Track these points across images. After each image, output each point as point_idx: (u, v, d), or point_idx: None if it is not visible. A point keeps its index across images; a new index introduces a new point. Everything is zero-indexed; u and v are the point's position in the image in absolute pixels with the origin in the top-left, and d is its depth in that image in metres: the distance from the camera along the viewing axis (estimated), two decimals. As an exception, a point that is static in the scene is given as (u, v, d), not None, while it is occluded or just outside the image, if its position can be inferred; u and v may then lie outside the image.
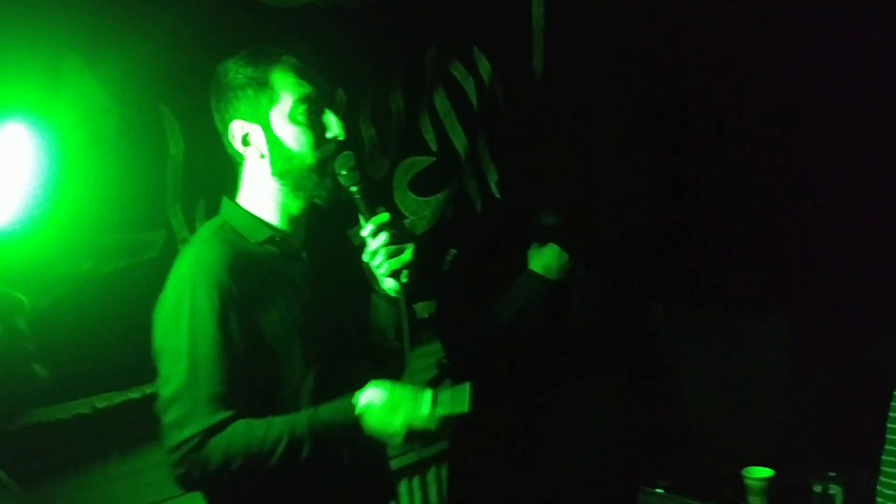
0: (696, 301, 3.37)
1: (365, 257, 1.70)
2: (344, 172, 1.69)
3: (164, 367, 1.65)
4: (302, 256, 1.76)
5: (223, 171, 2.31)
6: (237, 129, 1.70)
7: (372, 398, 1.62)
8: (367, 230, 1.68)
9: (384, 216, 1.69)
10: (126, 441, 2.28)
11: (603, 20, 3.32)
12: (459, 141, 2.99)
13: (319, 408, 1.64)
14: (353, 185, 1.69)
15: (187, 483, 1.63)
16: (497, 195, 3.04)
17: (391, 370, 1.85)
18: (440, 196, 2.94)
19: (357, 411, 1.62)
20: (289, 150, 1.68)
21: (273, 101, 1.67)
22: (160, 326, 1.67)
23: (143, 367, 2.19)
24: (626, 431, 2.37)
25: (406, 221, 2.82)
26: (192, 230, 2.29)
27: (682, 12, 3.19)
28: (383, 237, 1.67)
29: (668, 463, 2.40)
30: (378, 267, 1.69)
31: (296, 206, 1.73)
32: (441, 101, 2.97)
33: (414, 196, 2.87)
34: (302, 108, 1.67)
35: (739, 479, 2.25)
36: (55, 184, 2.02)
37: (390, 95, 2.82)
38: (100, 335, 2.10)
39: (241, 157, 1.73)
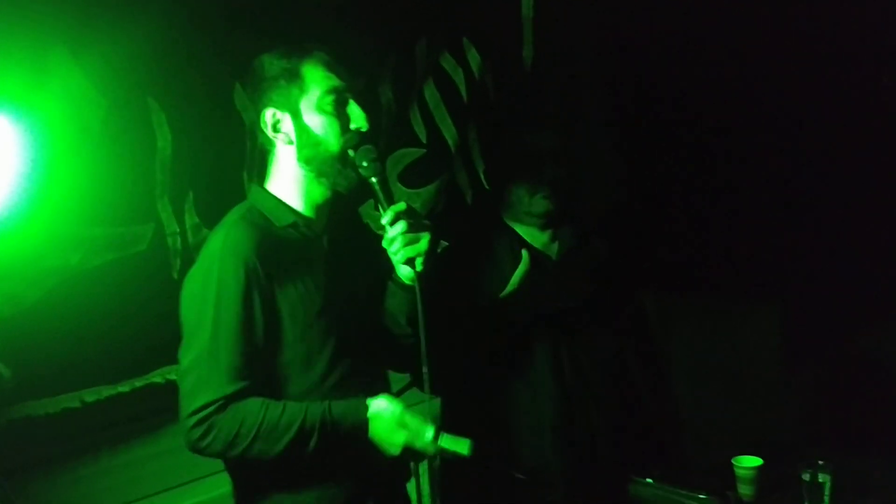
0: (686, 290, 3.38)
1: (384, 244, 1.79)
2: (364, 164, 1.79)
3: (188, 336, 1.76)
4: (322, 241, 1.86)
5: (211, 163, 2.35)
6: (269, 117, 1.82)
7: (382, 408, 1.74)
8: (385, 218, 1.76)
9: (401, 205, 1.77)
10: (116, 435, 2.27)
11: (592, 11, 3.31)
12: (449, 133, 2.99)
13: (333, 403, 1.74)
14: (373, 176, 1.79)
15: (198, 450, 1.73)
16: (487, 187, 3.04)
17: (403, 357, 1.94)
18: (430, 188, 2.93)
19: (368, 414, 1.73)
20: (315, 136, 1.79)
21: (303, 91, 1.80)
22: (187, 298, 1.78)
23: (133, 360, 2.23)
24: (617, 421, 2.37)
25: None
26: (181, 223, 2.29)
27: (670, 2, 3.19)
28: (401, 225, 1.75)
29: (658, 453, 2.40)
30: (395, 254, 1.78)
31: (319, 192, 1.84)
32: (431, 93, 2.96)
33: (404, 188, 2.86)
34: (329, 98, 1.79)
35: (729, 468, 2.26)
36: (42, 178, 2.01)
37: (380, 87, 2.82)
38: (88, 329, 2.10)
39: (272, 143, 1.85)
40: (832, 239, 3.17)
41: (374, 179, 1.78)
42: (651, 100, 3.40)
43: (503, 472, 2.36)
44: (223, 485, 1.99)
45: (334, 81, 1.80)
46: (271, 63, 1.82)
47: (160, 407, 2.31)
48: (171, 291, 2.23)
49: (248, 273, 1.72)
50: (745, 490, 2.23)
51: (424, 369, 1.75)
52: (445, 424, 1.76)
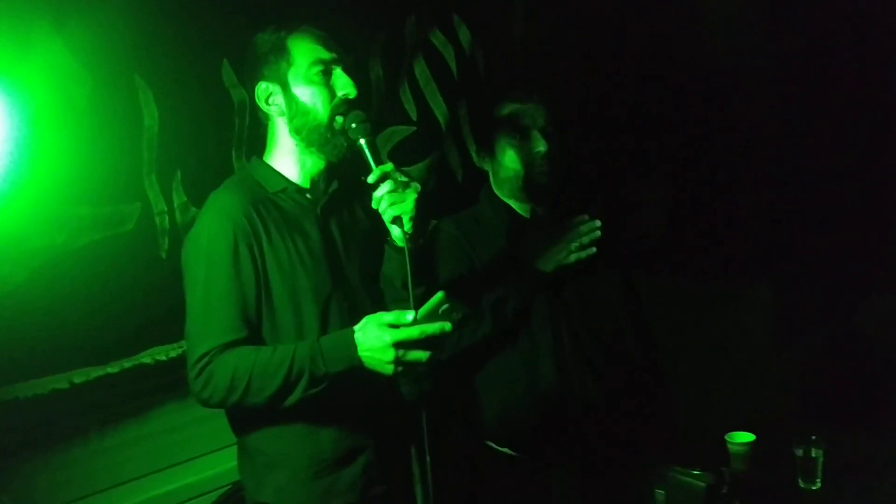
0: (679, 269, 3.38)
1: (373, 205, 1.81)
2: (353, 125, 1.82)
3: (187, 297, 1.82)
4: (316, 209, 1.91)
5: (198, 141, 2.32)
6: (261, 90, 1.88)
7: (363, 324, 1.75)
8: (371, 178, 1.79)
9: (388, 165, 1.80)
10: (105, 416, 2.26)
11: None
12: (440, 110, 2.97)
13: (320, 340, 1.77)
14: (362, 137, 1.81)
15: (203, 401, 1.78)
16: (478, 164, 3.02)
17: None
18: (421, 166, 2.92)
19: (354, 337, 1.73)
20: (304, 106, 1.84)
21: (290, 64, 1.85)
22: (184, 261, 1.85)
23: (121, 341, 2.21)
24: (612, 398, 2.37)
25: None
26: (169, 202, 2.27)
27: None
28: (387, 185, 1.78)
29: (652, 429, 2.41)
30: (384, 213, 1.80)
31: (312, 162, 1.90)
32: (421, 70, 2.94)
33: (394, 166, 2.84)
34: (315, 69, 1.84)
35: (722, 444, 2.26)
36: (27, 157, 1.99)
37: (370, 64, 2.80)
38: (75, 309, 2.08)
39: (268, 116, 1.90)
40: (823, 218, 3.17)
41: (362, 141, 1.81)
42: (643, 80, 3.39)
43: (498, 448, 2.36)
44: (214, 466, 2.00)
45: (321, 53, 1.85)
46: (262, 40, 1.88)
47: (149, 388, 2.31)
48: (159, 271, 2.24)
49: (237, 229, 1.79)
50: (738, 466, 2.23)
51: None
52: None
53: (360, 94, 1.86)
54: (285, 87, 1.86)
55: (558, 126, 2.38)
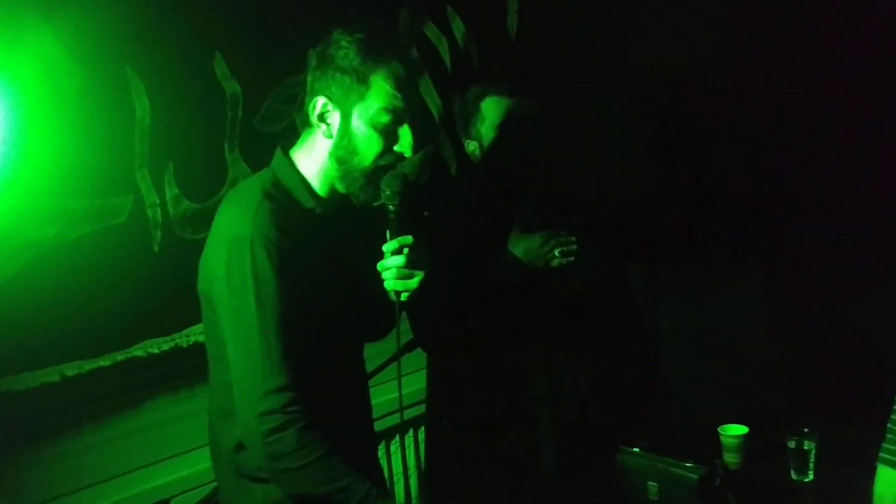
0: (672, 262, 3.38)
1: (378, 266, 1.79)
2: (388, 192, 1.76)
3: (236, 327, 1.70)
4: (334, 222, 1.84)
5: (191, 133, 2.31)
6: (320, 104, 1.77)
7: None
8: (389, 246, 1.77)
9: (409, 239, 1.77)
10: (98, 409, 2.25)
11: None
12: (434, 103, 2.96)
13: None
14: (393, 205, 1.77)
15: (268, 443, 1.67)
16: (472, 157, 3.02)
17: (377, 333, 2.02)
18: (415, 158, 2.89)
19: None
20: (355, 146, 1.76)
21: (363, 98, 1.74)
22: (220, 285, 1.71)
23: (114, 334, 2.21)
24: (603, 392, 2.37)
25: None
26: (161, 194, 2.25)
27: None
28: (400, 259, 1.76)
29: (646, 422, 2.41)
30: (386, 280, 1.79)
31: (339, 186, 1.81)
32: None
33: (388, 159, 2.83)
34: (386, 118, 1.75)
35: (715, 437, 2.27)
36: (18, 149, 1.98)
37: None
38: (67, 303, 2.07)
39: (313, 126, 1.80)
40: (817, 210, 3.17)
41: (391, 208, 1.77)
42: (637, 72, 3.38)
43: (493, 444, 2.36)
44: (206, 459, 1.98)
45: (397, 101, 1.74)
46: (346, 53, 1.73)
47: (142, 381, 2.31)
48: (152, 264, 2.23)
49: (281, 256, 1.69)
50: (731, 458, 2.24)
51: (398, 392, 1.83)
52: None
53: (413, 154, 1.80)
54: (346, 117, 1.75)
55: (545, 123, 2.38)
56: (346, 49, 1.73)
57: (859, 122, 3.07)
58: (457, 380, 2.42)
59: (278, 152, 1.84)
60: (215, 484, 1.99)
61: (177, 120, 2.26)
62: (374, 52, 1.73)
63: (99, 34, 2.10)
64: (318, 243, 1.80)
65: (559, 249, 2.28)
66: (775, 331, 3.27)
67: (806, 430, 2.17)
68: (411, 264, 1.77)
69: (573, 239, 2.30)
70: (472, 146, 2.42)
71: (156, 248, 2.25)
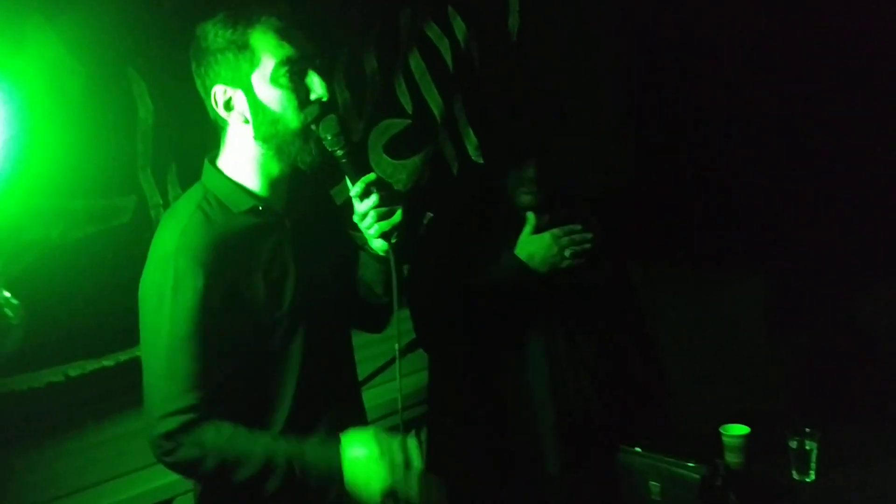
0: (673, 260, 3.39)
1: (355, 219, 1.69)
2: (329, 137, 1.67)
3: (145, 345, 1.66)
4: (285, 223, 1.74)
5: (194, 134, 2.30)
6: (220, 95, 1.67)
7: (359, 454, 1.62)
8: (354, 190, 1.67)
9: (371, 176, 1.67)
10: (101, 409, 2.25)
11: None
12: (435, 103, 2.96)
13: (307, 446, 1.64)
14: (339, 149, 1.67)
15: (164, 463, 1.65)
16: (475, 158, 3.03)
17: (376, 326, 1.93)
18: (416, 159, 2.91)
19: (342, 460, 1.62)
20: (273, 113, 1.66)
21: (254, 64, 1.64)
22: (143, 305, 1.67)
23: (117, 334, 2.20)
24: (605, 391, 2.37)
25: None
26: (164, 195, 2.26)
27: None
28: (372, 199, 1.66)
29: (648, 422, 2.41)
30: (368, 228, 1.68)
31: (277, 169, 1.72)
32: (416, 63, 2.93)
33: (389, 159, 2.84)
34: (284, 69, 1.64)
35: (717, 437, 2.27)
36: (21, 149, 1.97)
37: (364, 57, 2.79)
38: (71, 303, 2.07)
39: (225, 122, 1.71)
40: (818, 208, 3.17)
41: (339, 153, 1.66)
42: (639, 71, 3.39)
43: (495, 443, 2.37)
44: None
45: (288, 50, 1.64)
46: (216, 34, 1.64)
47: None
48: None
49: (207, 276, 1.61)
50: (732, 458, 2.24)
51: (397, 346, 1.70)
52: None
53: (332, 94, 1.70)
54: (248, 91, 1.64)
55: (554, 146, 2.39)
56: (212, 31, 1.65)
57: (860, 122, 3.07)
58: (458, 379, 2.42)
59: (206, 164, 1.75)
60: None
61: (179, 120, 2.26)
62: (242, 18, 1.64)
63: (102, 35, 2.11)
64: (267, 244, 1.70)
65: (570, 250, 2.28)
66: (777, 330, 3.28)
67: (808, 429, 2.18)
68: (385, 200, 1.66)
69: (588, 236, 2.30)
70: None
71: (159, 249, 2.25)
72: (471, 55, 3.05)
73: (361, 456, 1.61)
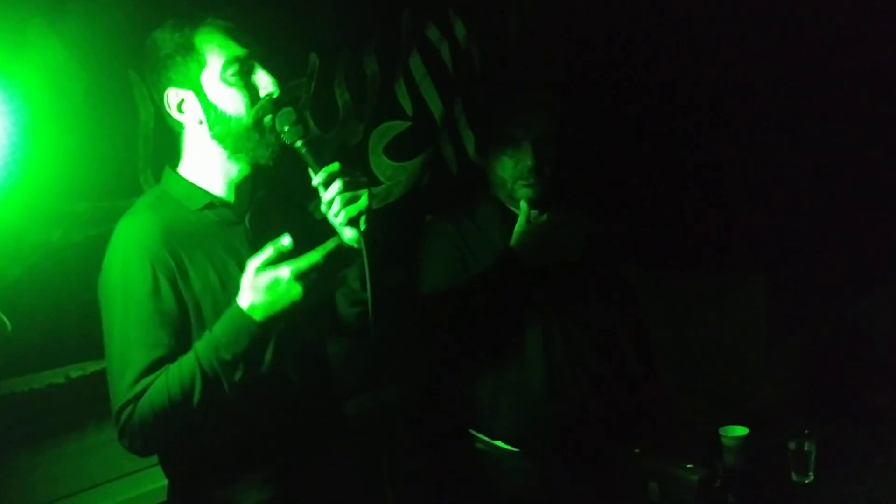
0: (672, 262, 3.39)
1: (322, 209, 1.68)
2: (286, 128, 1.67)
3: (105, 342, 1.67)
4: (244, 222, 1.75)
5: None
6: (172, 98, 1.69)
7: (245, 288, 1.58)
8: (317, 179, 1.65)
9: (335, 166, 1.65)
10: (102, 411, 2.23)
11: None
12: (435, 105, 2.97)
13: (214, 325, 1.61)
14: (297, 139, 1.67)
15: (135, 450, 1.66)
16: (475, 160, 3.03)
17: (357, 326, 1.86)
18: (416, 161, 2.92)
19: (242, 303, 1.57)
20: (223, 112, 1.67)
21: (202, 64, 1.67)
22: (100, 300, 1.69)
23: (118, 336, 2.21)
24: (602, 392, 2.38)
25: (382, 187, 2.81)
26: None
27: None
28: (337, 185, 1.63)
29: (647, 423, 2.42)
30: (336, 216, 1.66)
31: (236, 170, 1.73)
32: (416, 65, 2.94)
33: (389, 161, 2.85)
34: (232, 68, 1.66)
35: (716, 438, 2.27)
36: (22, 152, 1.98)
37: (365, 59, 2.79)
38: (72, 304, 2.07)
39: (180, 125, 1.73)
40: (818, 210, 3.18)
41: (298, 143, 1.66)
42: (639, 74, 3.39)
43: (492, 443, 2.37)
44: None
45: (234, 49, 1.66)
46: (164, 39, 1.68)
47: (146, 382, 2.31)
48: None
49: (155, 263, 1.62)
50: (731, 459, 2.25)
51: (372, 332, 1.68)
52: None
53: (282, 89, 1.69)
54: (199, 92, 1.66)
55: (555, 137, 2.40)
56: (160, 38, 1.68)
57: (860, 123, 3.08)
58: (455, 379, 2.43)
59: (166, 168, 1.78)
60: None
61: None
62: (188, 22, 1.67)
63: (103, 38, 2.11)
64: (221, 240, 1.71)
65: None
66: (776, 332, 3.28)
67: (806, 431, 2.18)
68: (350, 185, 1.63)
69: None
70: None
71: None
72: (471, 58, 3.06)
73: (248, 286, 1.56)
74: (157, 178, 2.24)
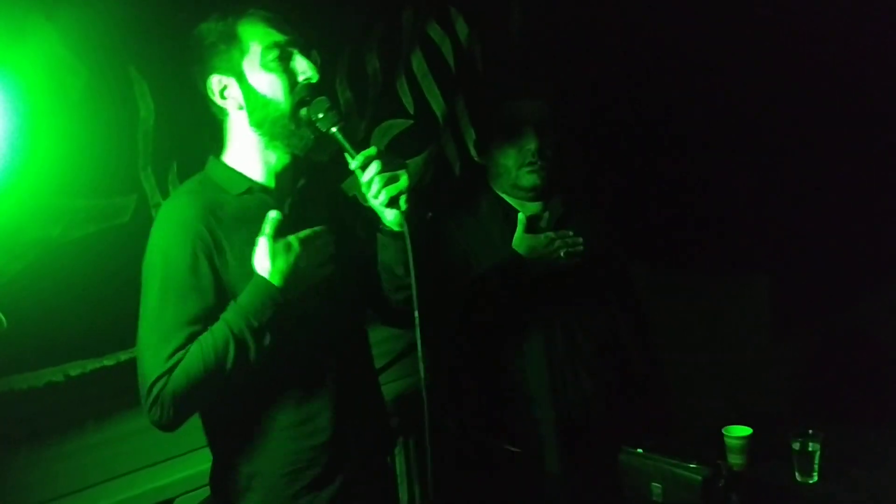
0: (676, 262, 3.38)
1: (363, 189, 1.71)
2: (320, 115, 1.71)
3: (141, 318, 1.70)
4: (284, 208, 1.77)
5: (195, 133, 2.30)
6: (215, 84, 1.75)
7: (260, 255, 1.66)
8: (355, 163, 1.69)
9: (371, 150, 1.69)
10: (101, 409, 2.25)
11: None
12: (437, 103, 2.96)
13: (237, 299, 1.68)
14: (333, 125, 1.71)
15: (164, 422, 1.67)
16: (476, 158, 3.02)
17: (403, 312, 1.86)
18: (418, 159, 2.91)
19: (262, 272, 1.65)
20: (263, 97, 1.72)
21: (244, 52, 1.73)
22: (142, 279, 1.73)
23: (117, 333, 2.19)
24: (605, 391, 2.37)
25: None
26: (165, 194, 2.25)
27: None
28: (374, 167, 1.67)
29: (650, 422, 2.41)
30: (375, 196, 1.69)
31: (275, 157, 1.78)
32: (418, 63, 2.93)
33: (391, 159, 2.83)
34: (271, 54, 1.72)
35: (719, 438, 2.26)
36: (21, 148, 1.97)
37: (366, 57, 2.79)
38: (71, 302, 2.07)
39: (224, 112, 1.78)
40: (821, 210, 3.17)
41: (333, 130, 1.70)
42: (640, 72, 3.38)
43: (496, 443, 2.36)
44: (210, 459, 1.97)
45: (274, 36, 1.73)
46: (208, 29, 1.75)
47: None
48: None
49: (195, 241, 1.68)
50: (735, 459, 2.23)
51: (416, 314, 1.68)
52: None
53: (321, 78, 1.74)
54: (241, 78, 1.72)
55: (555, 123, 2.39)
56: (205, 29, 1.75)
57: (864, 123, 3.07)
58: (458, 379, 2.42)
59: (210, 157, 1.83)
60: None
61: (180, 119, 2.26)
62: (232, 13, 1.74)
63: (103, 34, 2.10)
64: (259, 225, 1.71)
65: (564, 250, 2.29)
66: (779, 331, 3.27)
67: (810, 431, 2.17)
68: (388, 166, 1.67)
69: (580, 240, 2.30)
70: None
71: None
72: (473, 55, 3.05)
73: (263, 256, 1.65)
74: (157, 175, 2.25)
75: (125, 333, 2.20)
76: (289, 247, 1.66)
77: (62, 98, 2.06)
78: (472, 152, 3.04)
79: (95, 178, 2.13)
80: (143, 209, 2.22)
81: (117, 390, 2.24)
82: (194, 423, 2.34)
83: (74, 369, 2.13)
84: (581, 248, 2.30)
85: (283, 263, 1.65)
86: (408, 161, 2.84)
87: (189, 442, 2.37)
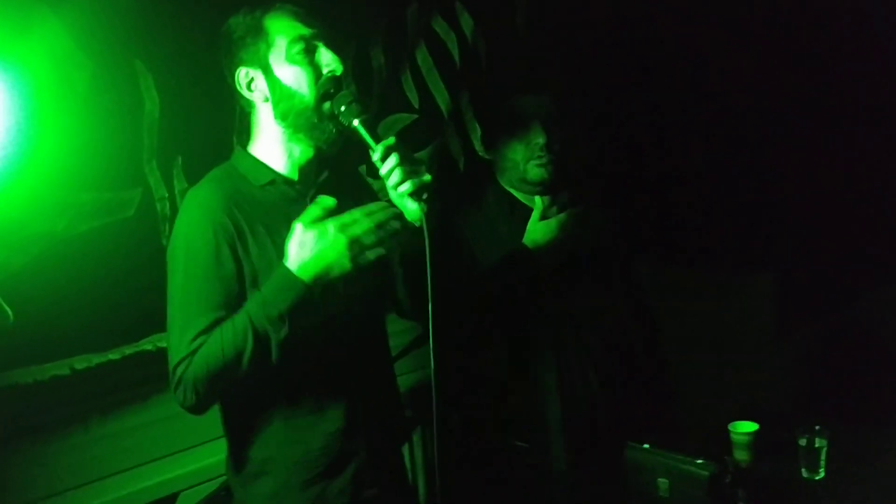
0: (681, 258, 3.38)
1: (384, 178, 1.70)
2: (343, 109, 1.73)
3: (168, 302, 1.72)
4: (306, 200, 1.77)
5: (200, 127, 2.30)
6: (242, 77, 1.78)
7: (293, 246, 1.65)
8: (376, 154, 1.68)
9: (391, 140, 1.69)
10: (107, 403, 2.25)
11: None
12: (442, 98, 2.96)
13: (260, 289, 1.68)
14: (355, 118, 1.72)
15: (188, 405, 1.69)
16: (481, 153, 3.02)
17: (416, 306, 1.90)
18: (422, 154, 2.90)
19: (290, 264, 1.64)
20: (289, 89, 1.74)
21: (270, 45, 1.75)
22: (167, 266, 1.75)
23: (123, 328, 2.20)
24: (612, 387, 2.36)
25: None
26: (170, 188, 2.25)
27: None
28: (394, 158, 1.67)
29: (656, 419, 2.40)
30: (396, 187, 1.68)
31: (299, 150, 1.80)
32: (423, 58, 2.92)
33: (396, 154, 2.83)
34: (297, 47, 1.74)
35: (726, 434, 2.26)
36: (27, 142, 1.97)
37: (371, 52, 2.78)
38: (76, 296, 2.07)
39: (251, 104, 1.81)
40: (825, 206, 3.16)
41: (356, 122, 1.71)
42: (646, 67, 3.38)
43: (501, 439, 2.36)
44: (216, 453, 1.98)
45: (300, 29, 1.75)
46: (237, 23, 1.78)
47: (151, 375, 2.29)
48: (160, 257, 2.21)
49: (217, 228, 1.69)
50: (741, 455, 2.23)
51: (430, 307, 1.68)
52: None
53: (345, 71, 1.76)
54: (267, 71, 1.75)
55: (562, 118, 2.38)
56: (233, 23, 1.78)
57: (867, 122, 3.06)
58: (465, 375, 2.41)
59: (237, 147, 1.86)
60: (224, 478, 1.98)
61: (186, 113, 2.26)
62: (258, 8, 1.77)
63: (109, 27, 2.11)
64: (281, 215, 1.74)
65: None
66: (785, 328, 3.27)
67: (817, 427, 2.16)
68: (409, 160, 1.68)
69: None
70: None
71: (164, 242, 2.25)
72: (478, 50, 3.05)
73: (296, 243, 1.64)
74: (163, 168, 2.25)
75: (130, 327, 2.22)
76: (327, 233, 1.64)
77: (67, 92, 2.06)
78: (478, 147, 3.04)
79: (100, 172, 2.13)
80: (148, 203, 2.22)
81: (122, 384, 2.25)
82: (198, 419, 2.35)
83: (80, 363, 2.13)
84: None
85: (317, 251, 1.63)
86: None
87: (193, 437, 2.38)
